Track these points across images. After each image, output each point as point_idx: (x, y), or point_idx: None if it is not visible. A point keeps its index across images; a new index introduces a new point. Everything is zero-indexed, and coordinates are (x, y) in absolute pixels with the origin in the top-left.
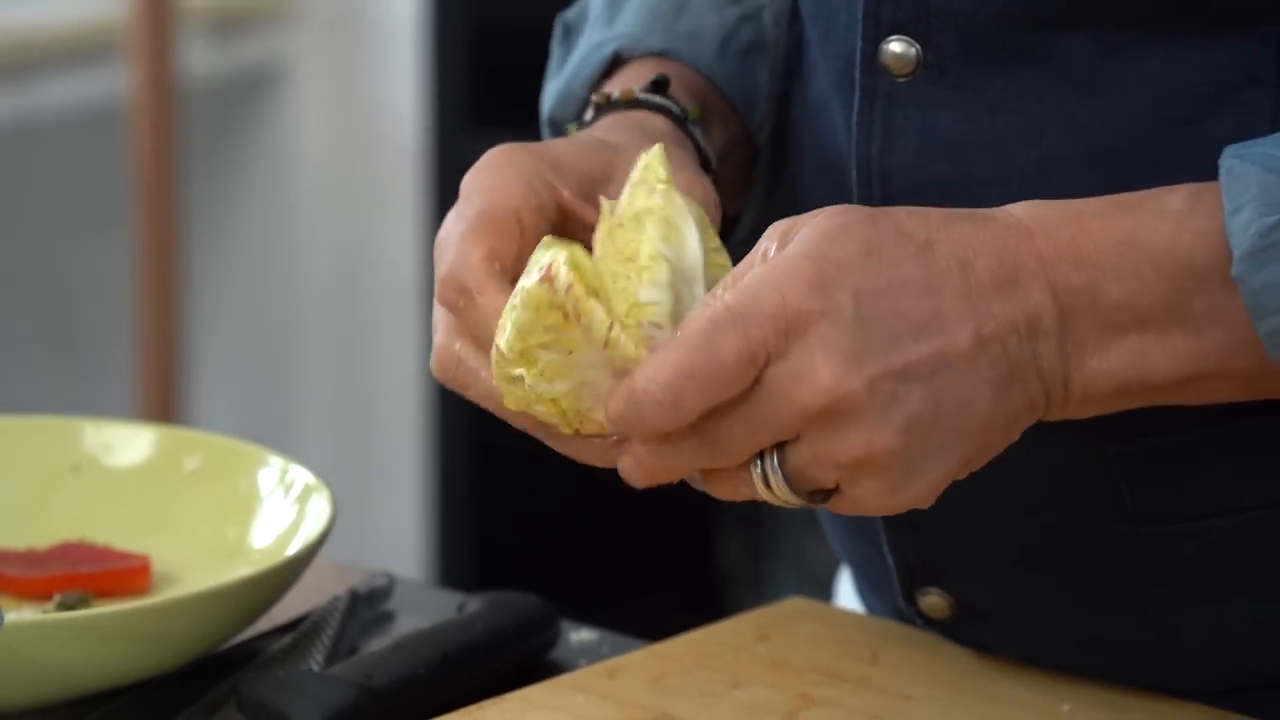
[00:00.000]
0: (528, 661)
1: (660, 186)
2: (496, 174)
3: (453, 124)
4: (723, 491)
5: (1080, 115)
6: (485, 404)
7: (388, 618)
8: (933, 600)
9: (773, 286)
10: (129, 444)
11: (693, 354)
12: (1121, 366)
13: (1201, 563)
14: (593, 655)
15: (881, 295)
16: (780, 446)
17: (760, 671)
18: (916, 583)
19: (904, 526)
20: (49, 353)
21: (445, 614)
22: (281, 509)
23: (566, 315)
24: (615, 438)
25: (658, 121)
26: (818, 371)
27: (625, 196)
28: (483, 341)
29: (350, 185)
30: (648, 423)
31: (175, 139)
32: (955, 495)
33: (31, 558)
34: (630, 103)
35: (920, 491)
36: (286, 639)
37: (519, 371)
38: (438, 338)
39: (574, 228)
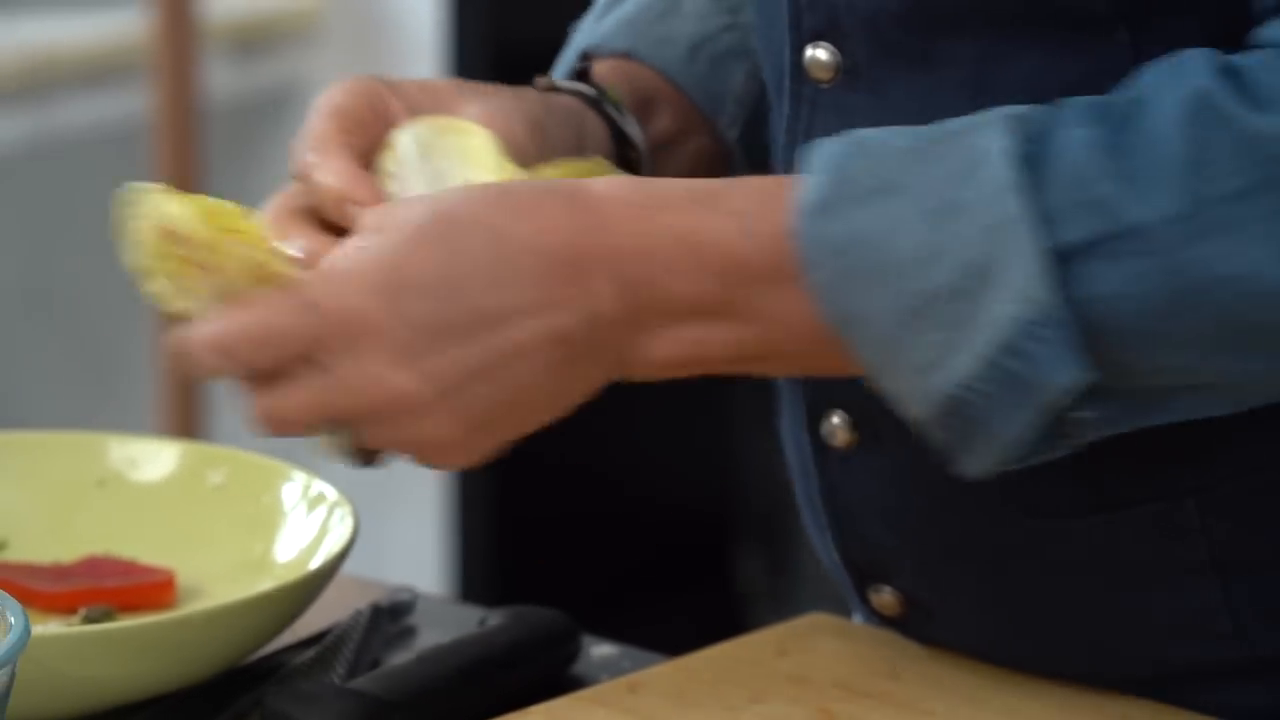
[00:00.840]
0: (549, 676)
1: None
2: (346, 83)
3: None
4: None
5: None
6: None
7: (410, 632)
8: (884, 598)
9: (347, 281)
10: (154, 459)
11: (254, 319)
12: (678, 351)
13: (1109, 555)
14: (614, 670)
15: (452, 292)
16: None
17: (781, 686)
18: (865, 581)
19: (848, 530)
20: (73, 370)
21: (466, 628)
22: (305, 523)
23: (189, 261)
24: None
25: (568, 101)
26: (379, 369)
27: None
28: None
29: None
30: (200, 366)
31: (197, 157)
32: (884, 492)
33: (57, 572)
34: (549, 89)
35: (474, 460)
36: (310, 652)
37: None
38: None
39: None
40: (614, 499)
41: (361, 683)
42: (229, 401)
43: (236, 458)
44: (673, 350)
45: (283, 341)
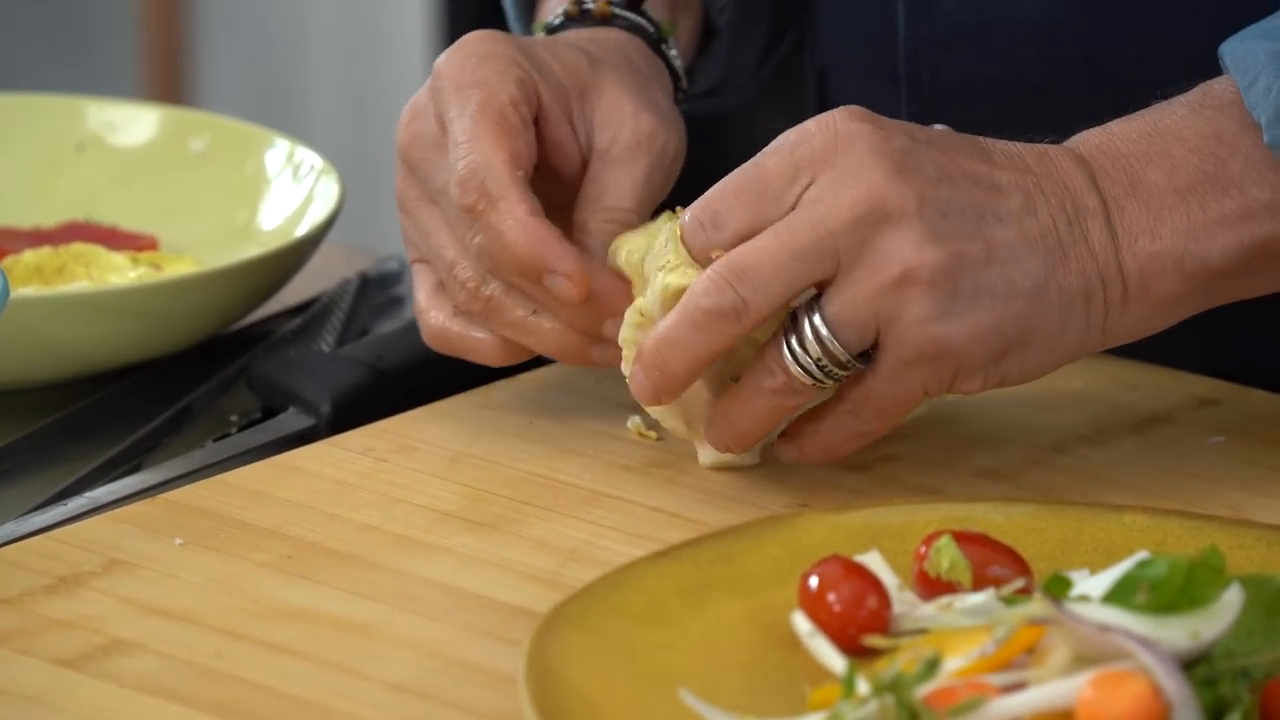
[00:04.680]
0: None
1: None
2: (486, 64)
3: None
4: (750, 400)
5: None
6: (499, 331)
7: (398, 301)
8: None
9: (822, 118)
10: (133, 123)
11: (737, 176)
12: (1175, 244)
13: None
14: None
15: (934, 145)
16: (815, 303)
17: None
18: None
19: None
20: (52, 35)
21: None
22: (289, 191)
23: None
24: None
25: (631, 42)
26: (867, 174)
27: (666, 248)
28: (492, 249)
29: None
30: (691, 248)
31: None
32: None
33: (38, 236)
34: (605, 18)
35: (964, 328)
36: (296, 320)
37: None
38: (452, 252)
39: (543, 137)
40: None
41: (349, 350)
42: (212, 65)
43: (219, 123)
44: (1167, 246)
45: (771, 187)
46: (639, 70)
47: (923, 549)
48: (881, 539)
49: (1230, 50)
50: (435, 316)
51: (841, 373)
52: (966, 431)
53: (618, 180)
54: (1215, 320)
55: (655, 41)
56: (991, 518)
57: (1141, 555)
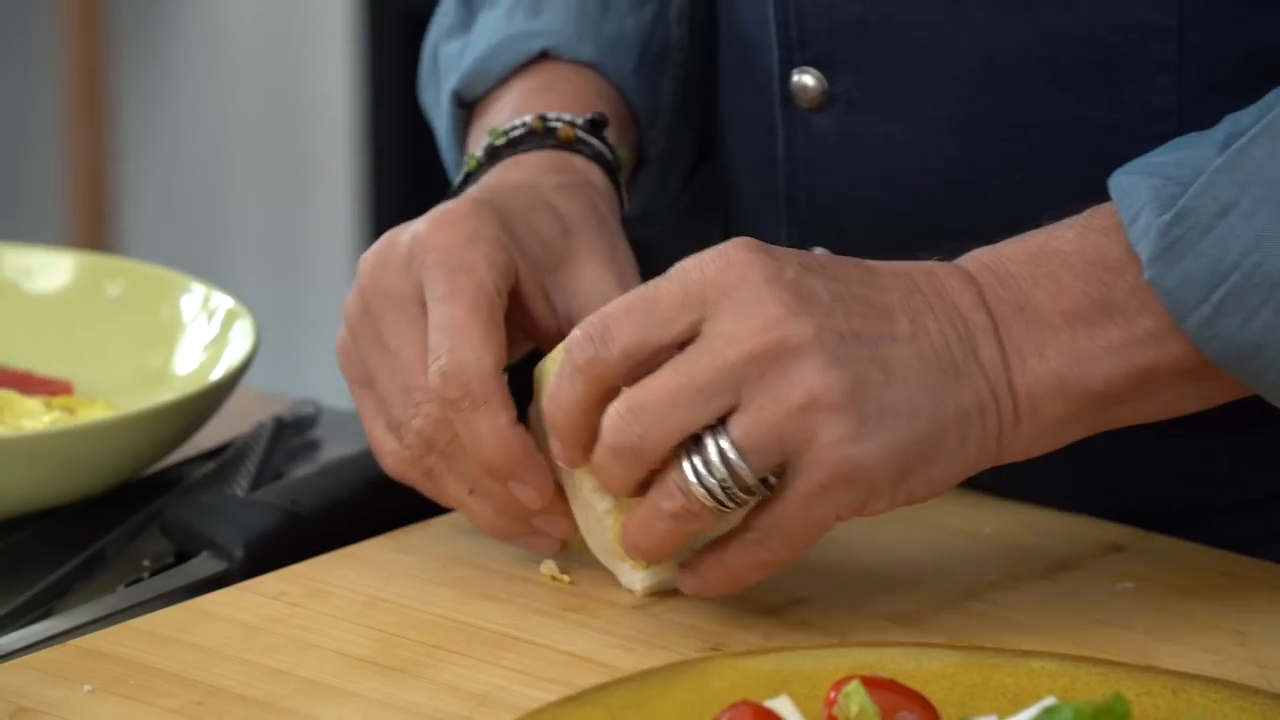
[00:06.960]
0: None
1: None
2: (475, 246)
3: None
4: (650, 522)
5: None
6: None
7: (313, 445)
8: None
9: (718, 249)
10: (49, 269)
11: (630, 296)
12: (1061, 365)
13: None
14: None
15: (825, 272)
16: (719, 427)
17: None
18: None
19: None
20: None
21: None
22: (205, 335)
23: None
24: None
25: (596, 174)
26: (764, 307)
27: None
28: (466, 444)
29: (284, 17)
30: (575, 365)
31: None
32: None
33: None
34: (569, 142)
35: (875, 449)
36: (210, 465)
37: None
38: (399, 411)
39: (518, 312)
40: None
41: (263, 494)
42: (138, 213)
43: (135, 269)
44: (1053, 367)
45: (662, 311)
46: (607, 226)
47: (832, 694)
48: (792, 684)
49: (1116, 184)
50: (392, 449)
51: (745, 497)
52: (877, 576)
53: None
54: (1123, 465)
55: (613, 171)
56: (901, 663)
57: (1048, 701)
